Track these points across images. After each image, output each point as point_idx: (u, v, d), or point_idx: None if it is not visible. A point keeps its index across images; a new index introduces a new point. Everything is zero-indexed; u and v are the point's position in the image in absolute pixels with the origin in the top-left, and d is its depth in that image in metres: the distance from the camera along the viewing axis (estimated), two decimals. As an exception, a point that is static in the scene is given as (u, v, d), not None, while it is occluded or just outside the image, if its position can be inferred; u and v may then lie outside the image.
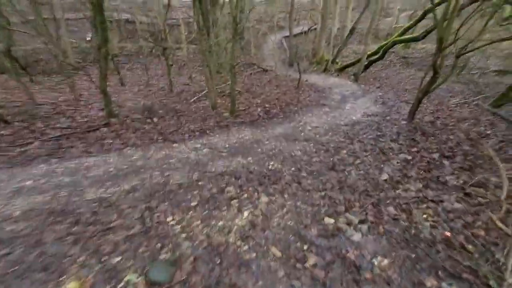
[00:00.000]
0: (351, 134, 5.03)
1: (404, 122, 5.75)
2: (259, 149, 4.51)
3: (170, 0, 9.23)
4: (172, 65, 11.60)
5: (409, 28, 10.73)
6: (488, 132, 5.06)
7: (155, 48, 13.33)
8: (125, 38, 17.15)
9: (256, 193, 3.13)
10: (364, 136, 4.94)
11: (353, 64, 12.64)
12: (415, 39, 9.43)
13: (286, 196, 3.11)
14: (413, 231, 2.60)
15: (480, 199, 3.08)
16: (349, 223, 2.70)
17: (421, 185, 3.42)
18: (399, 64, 15.37)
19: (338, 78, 11.61)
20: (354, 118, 6.06)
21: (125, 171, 3.70)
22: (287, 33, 16.70)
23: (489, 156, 4.12)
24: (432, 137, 4.96)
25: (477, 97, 7.58)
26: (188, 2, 20.07)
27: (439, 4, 9.11)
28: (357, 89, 9.34)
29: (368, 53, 11.17)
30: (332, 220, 2.72)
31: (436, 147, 4.52)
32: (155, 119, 6.03)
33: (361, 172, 3.71)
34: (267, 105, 7.17)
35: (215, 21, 8.82)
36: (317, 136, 5.02)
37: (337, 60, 13.76)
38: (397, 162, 4.02)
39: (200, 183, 3.35)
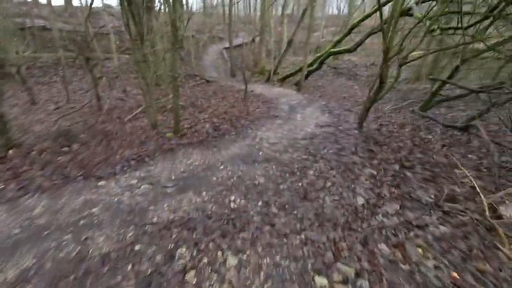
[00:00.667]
0: (312, 150, 4.46)
1: (356, 131, 5.50)
2: (214, 178, 3.55)
3: (91, 5, 7.54)
4: (100, 77, 9.68)
5: (339, 41, 11.16)
6: (430, 137, 5.12)
7: (78, 58, 11.02)
8: (40, 47, 13.97)
9: (220, 253, 2.17)
10: (325, 151, 4.42)
11: (293, 74, 12.61)
12: (349, 50, 9.73)
13: (259, 249, 2.24)
14: (418, 278, 2.02)
15: (460, 217, 2.74)
16: (345, 280, 1.99)
17: (398, 206, 2.98)
18: (331, 74, 16.14)
19: (281, 88, 11.33)
20: (309, 130, 5.57)
21: (16, 238, 2.31)
22: (227, 44, 16.05)
23: (443, 163, 4.02)
24: (385, 146, 4.75)
25: (405, 103, 8.04)
26: (118, 8, 17.64)
27: (362, 20, 9.62)
28: (302, 99, 9.11)
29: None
30: (325, 281, 1.96)
31: (392, 157, 4.27)
32: (74, 147, 4.48)
33: (336, 198, 3.09)
34: (215, 120, 6.21)
35: (150, 29, 7.48)
36: (277, 154, 4.30)
37: (277, 71, 13.62)
38: (366, 180, 3.57)
39: (136, 247, 2.23)
